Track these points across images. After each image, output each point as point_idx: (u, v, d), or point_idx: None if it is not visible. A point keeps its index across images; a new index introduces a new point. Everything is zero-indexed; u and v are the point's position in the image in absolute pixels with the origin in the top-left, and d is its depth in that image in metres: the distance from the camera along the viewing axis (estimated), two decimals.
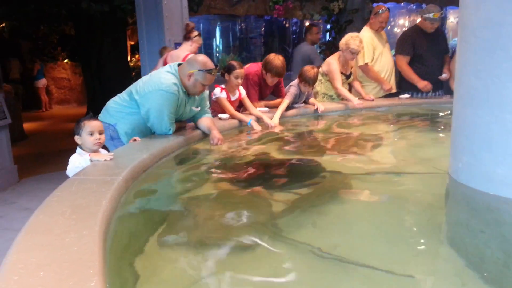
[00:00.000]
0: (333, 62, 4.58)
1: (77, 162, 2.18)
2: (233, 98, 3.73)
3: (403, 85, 5.07)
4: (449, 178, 2.20)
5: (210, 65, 2.84)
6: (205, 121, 3.12)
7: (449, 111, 4.27)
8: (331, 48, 7.11)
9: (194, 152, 2.94)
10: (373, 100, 4.71)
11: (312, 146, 3.27)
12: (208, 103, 3.22)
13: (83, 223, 1.35)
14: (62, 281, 1.00)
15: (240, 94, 3.79)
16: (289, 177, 2.42)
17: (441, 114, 4.40)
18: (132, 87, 2.91)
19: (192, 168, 2.56)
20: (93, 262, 1.10)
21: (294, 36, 9.53)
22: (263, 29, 9.58)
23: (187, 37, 4.56)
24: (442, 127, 3.91)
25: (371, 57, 4.89)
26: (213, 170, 2.56)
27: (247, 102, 3.83)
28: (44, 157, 6.25)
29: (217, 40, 10.35)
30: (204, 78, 2.83)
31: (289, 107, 4.08)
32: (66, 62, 13.21)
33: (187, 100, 2.95)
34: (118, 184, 1.78)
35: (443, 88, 5.17)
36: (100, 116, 2.92)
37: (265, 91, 4.14)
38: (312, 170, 2.53)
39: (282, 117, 3.93)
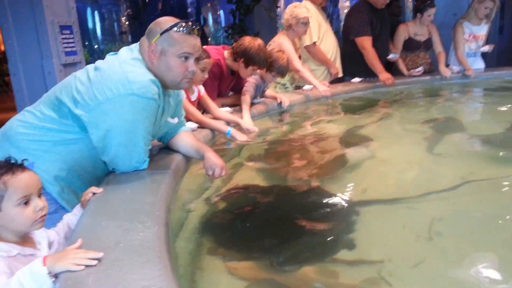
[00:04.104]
0: (284, 42, 3.62)
1: None
2: (193, 99, 2.56)
3: (348, 68, 4.42)
4: None
5: (173, 19, 1.62)
6: (188, 139, 1.90)
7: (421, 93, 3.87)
8: (239, 32, 6.14)
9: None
10: (328, 87, 3.94)
11: (310, 160, 2.37)
12: (184, 110, 2.00)
13: None
14: None
15: (199, 92, 2.64)
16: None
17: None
18: (60, 93, 1.57)
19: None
20: None
21: (193, 19, 8.16)
22: (156, 11, 7.96)
23: None
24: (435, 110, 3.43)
25: (317, 34, 4.07)
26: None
27: (210, 102, 2.69)
28: None
29: (97, 28, 8.25)
30: (175, 42, 1.56)
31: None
32: None
33: (164, 107, 1.72)
34: None
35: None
36: None
37: (224, 87, 3.01)
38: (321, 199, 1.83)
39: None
